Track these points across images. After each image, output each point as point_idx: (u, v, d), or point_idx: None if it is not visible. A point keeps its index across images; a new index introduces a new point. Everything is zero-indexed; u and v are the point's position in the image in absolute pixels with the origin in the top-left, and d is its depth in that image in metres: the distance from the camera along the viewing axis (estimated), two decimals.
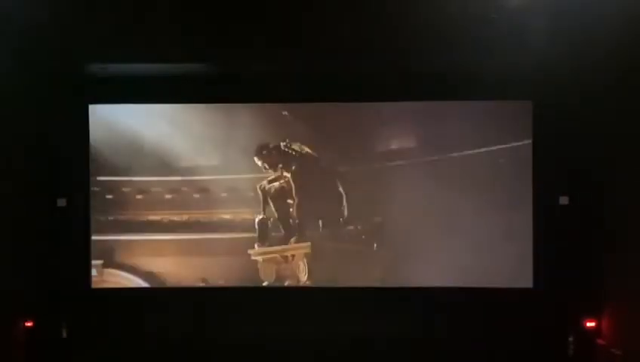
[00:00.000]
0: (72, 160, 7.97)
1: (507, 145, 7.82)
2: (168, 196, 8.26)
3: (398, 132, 8.00)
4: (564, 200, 7.68)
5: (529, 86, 7.65)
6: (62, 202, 7.96)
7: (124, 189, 8.22)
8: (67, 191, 8.00)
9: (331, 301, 7.88)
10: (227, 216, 8.22)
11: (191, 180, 8.23)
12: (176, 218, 8.24)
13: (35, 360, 7.72)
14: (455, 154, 7.88)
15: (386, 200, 7.99)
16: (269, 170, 8.22)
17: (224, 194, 8.23)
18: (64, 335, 7.91)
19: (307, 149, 8.19)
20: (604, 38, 6.65)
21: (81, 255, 7.98)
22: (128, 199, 8.21)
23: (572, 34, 6.76)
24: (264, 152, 8.22)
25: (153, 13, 6.61)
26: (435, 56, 7.28)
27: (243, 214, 8.19)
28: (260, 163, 8.20)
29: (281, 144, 8.21)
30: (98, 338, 7.91)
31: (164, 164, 8.21)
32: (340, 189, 8.13)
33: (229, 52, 7.34)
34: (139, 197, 8.23)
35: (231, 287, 8.03)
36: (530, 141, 7.75)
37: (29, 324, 7.68)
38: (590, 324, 7.45)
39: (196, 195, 8.25)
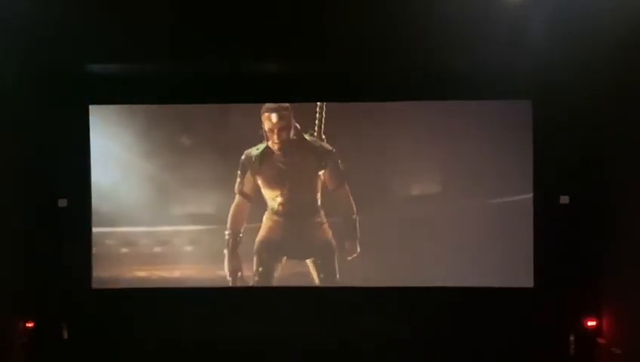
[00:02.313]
0: (72, 160, 7.94)
1: (507, 145, 7.83)
2: (157, 249, 8.02)
3: (397, 131, 7.99)
4: (564, 199, 7.70)
5: (529, 85, 7.65)
6: (62, 202, 7.94)
7: (108, 242, 8.03)
8: (68, 191, 7.98)
9: (331, 301, 7.89)
10: (224, 273, 8.01)
11: (183, 230, 7.97)
12: (166, 274, 8.03)
13: (35, 361, 7.72)
14: (455, 154, 7.87)
15: (385, 198, 7.98)
16: (269, 142, 7.90)
17: (219, 247, 7.98)
18: (65, 336, 7.90)
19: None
20: (604, 38, 6.66)
21: (82, 255, 7.95)
22: (112, 253, 8.01)
23: (572, 34, 6.77)
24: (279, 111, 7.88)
25: (154, 14, 6.60)
26: (435, 56, 7.30)
27: (243, 271, 8.01)
28: (268, 122, 7.91)
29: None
30: (99, 339, 7.90)
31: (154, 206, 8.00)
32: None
33: (231, 52, 7.35)
34: (124, 250, 8.03)
35: (231, 287, 8.02)
36: (530, 140, 7.74)
37: (29, 325, 7.69)
38: (591, 323, 7.47)
39: (188, 248, 8.04)
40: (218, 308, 7.94)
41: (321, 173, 8.01)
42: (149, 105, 8.14)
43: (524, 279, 7.72)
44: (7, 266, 7.22)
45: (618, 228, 6.96)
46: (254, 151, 8.04)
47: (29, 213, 7.71)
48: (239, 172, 8.03)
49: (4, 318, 7.21)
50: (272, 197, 8.04)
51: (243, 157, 8.04)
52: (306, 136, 8.01)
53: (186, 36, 7.02)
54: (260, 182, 8.05)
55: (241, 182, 8.06)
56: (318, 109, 7.96)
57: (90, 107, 8.02)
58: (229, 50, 7.33)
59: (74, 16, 6.55)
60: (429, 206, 7.93)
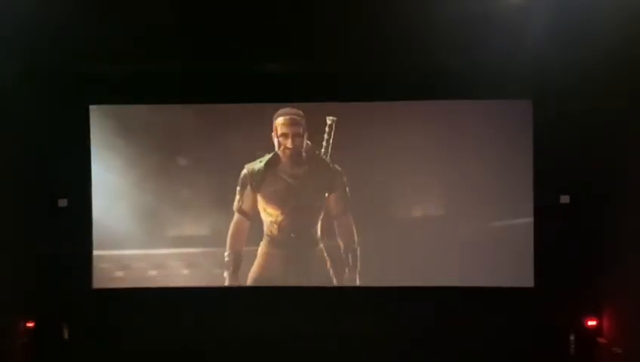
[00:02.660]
0: (72, 160, 7.94)
1: (507, 144, 7.81)
2: (152, 272, 7.94)
3: (397, 130, 7.97)
4: (565, 199, 7.70)
5: (529, 85, 7.65)
6: (63, 202, 7.95)
7: (102, 266, 7.96)
8: (68, 191, 7.98)
9: (331, 301, 7.89)
10: None
11: (179, 253, 7.86)
12: None
13: (36, 361, 7.72)
14: (455, 153, 7.87)
15: (385, 196, 7.96)
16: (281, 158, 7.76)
17: (217, 270, 7.92)
18: (66, 336, 7.91)
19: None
20: (604, 38, 6.65)
21: (83, 255, 7.94)
22: (106, 277, 7.94)
23: (572, 33, 6.76)
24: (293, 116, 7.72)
25: (154, 14, 6.59)
26: (435, 55, 7.29)
27: None
28: (281, 127, 7.73)
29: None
30: (100, 338, 7.91)
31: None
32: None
33: (230, 53, 7.35)
34: (119, 274, 7.95)
35: (231, 287, 8.00)
36: (530, 140, 7.73)
37: (30, 325, 7.71)
38: (591, 323, 7.47)
39: (185, 271, 7.95)
40: (218, 307, 7.94)
41: (327, 194, 7.91)
42: (147, 106, 8.12)
43: (525, 279, 7.70)
44: (7, 266, 7.22)
45: (618, 227, 6.95)
46: (257, 164, 7.90)
47: (29, 213, 7.71)
48: (238, 188, 7.90)
49: (4, 318, 7.23)
50: (272, 218, 7.88)
51: (244, 171, 7.91)
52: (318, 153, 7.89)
53: (186, 36, 7.01)
54: (260, 198, 7.91)
55: (240, 199, 7.89)
56: (327, 128, 7.86)
57: (90, 107, 8.02)
58: (229, 50, 7.32)
59: (74, 17, 6.53)
60: (428, 206, 7.94)
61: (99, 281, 7.97)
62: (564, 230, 7.65)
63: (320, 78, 7.79)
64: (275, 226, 7.92)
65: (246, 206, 7.92)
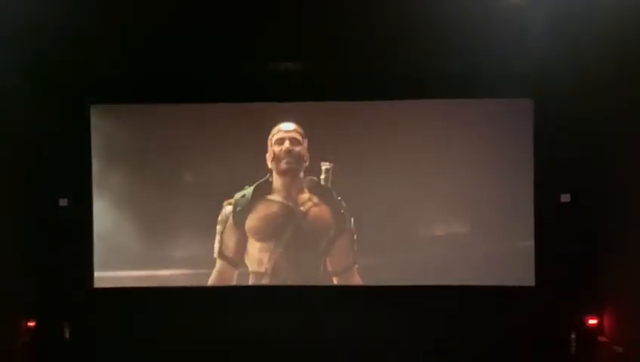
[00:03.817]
0: (72, 160, 7.94)
1: (508, 143, 7.81)
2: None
3: (397, 130, 7.97)
4: (565, 197, 7.70)
5: (530, 85, 7.66)
6: (64, 202, 7.95)
7: (100, 286, 7.88)
8: (68, 191, 7.98)
9: (331, 301, 7.88)
10: None
11: (180, 274, 7.68)
12: None
13: (37, 361, 7.72)
14: (456, 153, 7.87)
15: (386, 196, 7.94)
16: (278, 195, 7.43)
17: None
18: (67, 335, 7.91)
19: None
20: (605, 38, 6.66)
21: (83, 255, 7.94)
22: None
23: (572, 33, 6.77)
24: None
25: (154, 14, 6.59)
26: (435, 55, 7.29)
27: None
28: (279, 134, 7.37)
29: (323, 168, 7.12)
30: (100, 338, 7.91)
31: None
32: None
33: (230, 53, 7.35)
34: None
35: (231, 287, 7.99)
36: (531, 139, 7.73)
37: (31, 324, 7.73)
38: (592, 322, 7.47)
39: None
40: (218, 307, 7.93)
41: (331, 240, 7.60)
42: (147, 106, 8.11)
43: (526, 278, 7.70)
44: (8, 266, 7.23)
45: (619, 226, 6.95)
46: (242, 191, 7.40)
47: (29, 212, 7.71)
48: (218, 227, 7.48)
49: (6, 318, 7.23)
50: (264, 256, 7.40)
51: (226, 208, 7.47)
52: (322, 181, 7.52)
53: (186, 36, 7.01)
54: (247, 233, 7.33)
55: (221, 241, 7.19)
56: (323, 174, 7.60)
57: (91, 107, 8.01)
58: (229, 50, 7.33)
59: (74, 17, 6.54)
60: (427, 205, 7.93)
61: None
62: (565, 230, 7.65)
63: (319, 78, 7.78)
64: (267, 279, 7.45)
65: (229, 248, 7.25)
